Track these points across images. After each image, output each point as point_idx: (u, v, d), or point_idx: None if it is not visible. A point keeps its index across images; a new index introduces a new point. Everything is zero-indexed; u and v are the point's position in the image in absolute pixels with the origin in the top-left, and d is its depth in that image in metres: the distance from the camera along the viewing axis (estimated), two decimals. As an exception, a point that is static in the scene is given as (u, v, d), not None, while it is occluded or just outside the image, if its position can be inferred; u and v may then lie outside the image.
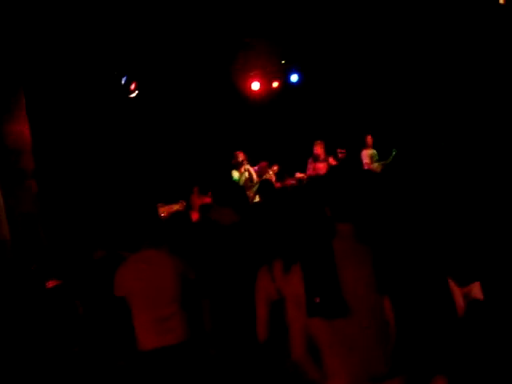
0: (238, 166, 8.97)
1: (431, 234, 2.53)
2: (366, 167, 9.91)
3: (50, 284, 4.34)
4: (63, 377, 3.97)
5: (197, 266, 3.75)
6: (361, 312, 2.22)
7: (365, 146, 10.09)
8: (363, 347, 2.24)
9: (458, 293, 2.02)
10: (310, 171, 9.22)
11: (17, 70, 6.86)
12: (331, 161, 9.05)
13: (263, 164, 9.23)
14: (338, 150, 10.01)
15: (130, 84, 9.41)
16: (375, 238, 2.34)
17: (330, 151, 10.13)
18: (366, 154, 10.00)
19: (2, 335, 3.80)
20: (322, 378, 2.39)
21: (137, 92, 9.52)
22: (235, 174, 8.96)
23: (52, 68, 7.63)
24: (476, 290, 2.09)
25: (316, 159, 9.07)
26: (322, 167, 8.86)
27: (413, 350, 1.99)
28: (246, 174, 8.96)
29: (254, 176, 9.03)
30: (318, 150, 8.97)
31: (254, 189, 8.75)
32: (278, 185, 8.94)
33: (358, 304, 2.21)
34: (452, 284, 2.03)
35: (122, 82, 9.20)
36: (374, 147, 10.14)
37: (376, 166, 9.80)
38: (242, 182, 8.83)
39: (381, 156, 10.02)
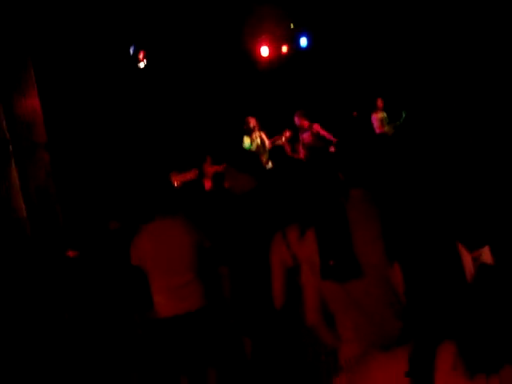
0: (249, 132, 8.91)
1: (441, 197, 2.53)
2: (377, 131, 9.84)
3: (71, 254, 4.40)
4: (82, 345, 4.05)
5: (212, 234, 3.78)
6: (373, 275, 2.23)
7: (375, 109, 10.01)
8: (375, 311, 2.26)
9: (467, 257, 2.01)
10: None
11: (25, 44, 6.83)
12: (316, 127, 8.86)
13: (287, 133, 9.10)
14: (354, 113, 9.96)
15: (139, 54, 9.35)
16: (386, 202, 2.34)
17: (338, 114, 10.07)
18: (377, 118, 9.93)
19: (24, 307, 3.88)
20: (336, 342, 2.42)
21: (145, 61, 9.46)
22: (247, 140, 8.91)
23: (61, 40, 7.59)
24: (485, 254, 2.09)
25: (300, 130, 8.92)
26: (306, 137, 8.74)
27: (421, 316, 2.00)
28: (258, 140, 8.91)
29: (267, 142, 8.98)
30: (297, 121, 8.82)
31: (267, 155, 8.73)
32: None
33: (371, 267, 2.23)
34: (462, 248, 2.03)
35: (131, 51, 9.14)
36: (383, 109, 10.06)
37: (387, 128, 9.74)
38: (254, 148, 8.80)
39: (391, 118, 9.95)
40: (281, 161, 7.01)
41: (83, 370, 3.95)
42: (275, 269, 3.04)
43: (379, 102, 9.97)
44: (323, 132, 8.57)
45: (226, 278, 3.59)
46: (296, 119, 8.75)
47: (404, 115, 9.45)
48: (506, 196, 2.53)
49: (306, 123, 8.71)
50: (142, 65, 9.54)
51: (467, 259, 2.01)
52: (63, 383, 3.92)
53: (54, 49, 7.57)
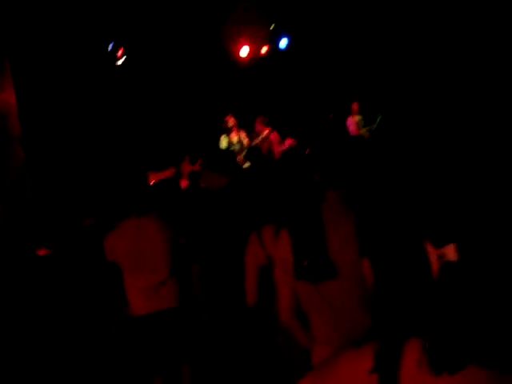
0: (228, 131, 8.90)
1: (410, 196, 2.56)
2: (353, 134, 9.92)
3: (41, 252, 4.35)
4: (55, 346, 4.01)
5: (186, 232, 3.77)
6: (347, 276, 2.24)
7: (351, 113, 10.10)
8: (349, 311, 2.27)
9: (433, 254, 2.05)
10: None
11: (1, 37, 6.75)
12: (272, 137, 8.92)
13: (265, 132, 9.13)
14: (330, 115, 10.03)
15: (117, 50, 9.29)
16: (360, 203, 2.36)
17: (315, 116, 10.14)
18: (353, 121, 10.01)
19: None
20: (310, 342, 2.44)
21: (124, 58, 9.40)
22: (224, 139, 8.90)
23: (38, 34, 7.51)
24: (451, 252, 2.13)
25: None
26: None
27: (389, 311, 2.03)
28: (236, 138, 8.91)
29: (246, 141, 8.98)
30: (257, 127, 8.89)
31: (243, 154, 8.74)
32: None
33: (345, 268, 2.24)
34: (428, 246, 2.06)
35: (109, 48, 9.07)
36: (359, 113, 10.15)
37: (363, 131, 9.82)
38: (232, 147, 8.80)
39: (366, 121, 10.03)
40: (257, 160, 7.02)
41: (55, 367, 3.91)
42: (249, 267, 3.06)
43: (355, 106, 10.06)
44: (275, 146, 8.62)
45: (197, 277, 3.59)
46: (257, 125, 8.80)
47: (379, 119, 9.53)
48: (472, 194, 2.57)
49: (266, 130, 8.80)
50: (120, 62, 9.47)
51: (433, 256, 2.04)
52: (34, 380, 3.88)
53: (31, 43, 7.48)
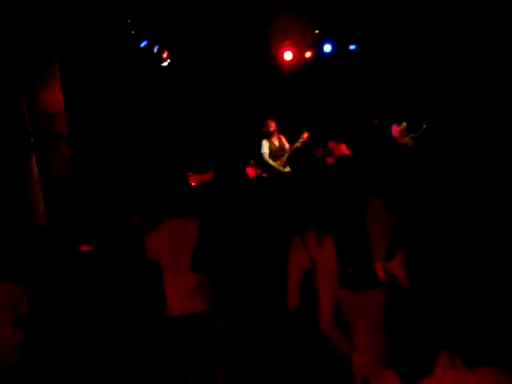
0: (269, 135, 8.93)
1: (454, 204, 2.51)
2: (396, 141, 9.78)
3: (84, 248, 4.42)
4: (91, 341, 4.06)
5: (227, 236, 3.78)
6: (390, 286, 2.22)
7: (396, 121, 9.96)
8: (389, 321, 2.25)
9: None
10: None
11: (51, 36, 6.91)
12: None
13: (304, 136, 9.18)
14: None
15: (162, 52, 9.41)
16: (405, 211, 2.33)
17: (359, 122, 10.05)
18: (397, 129, 9.86)
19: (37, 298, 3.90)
20: (350, 348, 2.42)
21: (169, 61, 9.52)
22: (265, 144, 8.93)
23: (85, 35, 7.66)
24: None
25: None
26: None
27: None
28: (277, 143, 8.93)
29: (287, 145, 9.00)
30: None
31: (284, 158, 8.75)
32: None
33: (388, 278, 2.22)
34: None
35: (155, 50, 9.20)
36: (404, 120, 10.01)
37: (407, 139, 9.67)
38: (272, 151, 8.84)
39: (410, 129, 9.88)
40: (298, 165, 6.99)
41: (92, 365, 3.96)
42: (292, 271, 3.06)
43: (400, 114, 9.92)
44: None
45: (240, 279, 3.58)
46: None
47: (424, 126, 9.36)
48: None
49: (305, 134, 8.89)
50: (165, 64, 9.60)
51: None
52: (69, 379, 3.94)
53: (79, 44, 7.64)
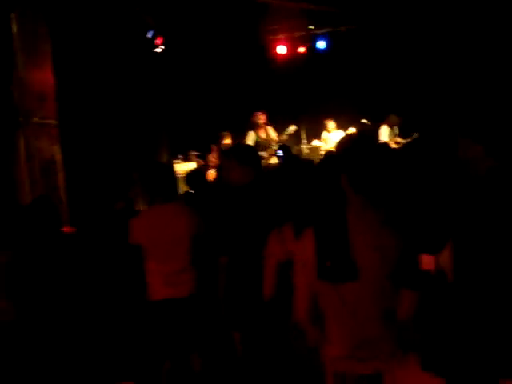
0: (256, 127, 8.95)
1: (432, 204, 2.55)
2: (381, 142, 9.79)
3: (67, 229, 4.43)
4: (72, 323, 4.08)
5: (213, 224, 3.81)
6: (368, 280, 2.26)
7: (386, 122, 10.00)
8: (365, 315, 2.30)
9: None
10: None
11: (44, 17, 6.87)
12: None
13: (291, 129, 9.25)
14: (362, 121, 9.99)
15: (156, 38, 9.39)
16: (388, 209, 2.38)
17: (351, 122, 10.11)
18: (385, 131, 9.90)
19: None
20: (322, 341, 2.46)
21: (163, 47, 9.51)
22: (252, 134, 8.94)
23: (79, 17, 7.62)
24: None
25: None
26: None
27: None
28: (264, 135, 8.95)
29: (274, 136, 9.03)
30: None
31: (271, 150, 8.79)
32: None
33: (367, 272, 2.26)
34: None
35: (149, 35, 9.18)
36: (396, 125, 10.06)
37: (392, 142, 9.70)
38: (259, 143, 8.86)
39: (401, 134, 9.91)
40: (285, 158, 7.06)
41: (70, 346, 3.98)
42: (269, 262, 3.12)
43: (392, 118, 9.96)
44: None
45: (224, 269, 3.62)
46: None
47: (415, 135, 9.30)
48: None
49: (292, 127, 8.98)
50: (158, 50, 9.58)
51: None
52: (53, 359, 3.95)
53: (72, 27, 7.59)
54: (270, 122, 9.16)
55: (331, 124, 10.29)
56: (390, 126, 10.00)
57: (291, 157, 7.31)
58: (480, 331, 2.27)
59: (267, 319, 3.29)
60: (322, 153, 9.67)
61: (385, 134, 9.82)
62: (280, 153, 8.30)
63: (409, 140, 9.11)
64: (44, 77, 6.90)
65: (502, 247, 2.25)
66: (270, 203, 3.35)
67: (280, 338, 3.25)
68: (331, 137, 10.13)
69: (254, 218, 3.37)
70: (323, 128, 10.40)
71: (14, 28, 6.47)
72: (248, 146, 4.64)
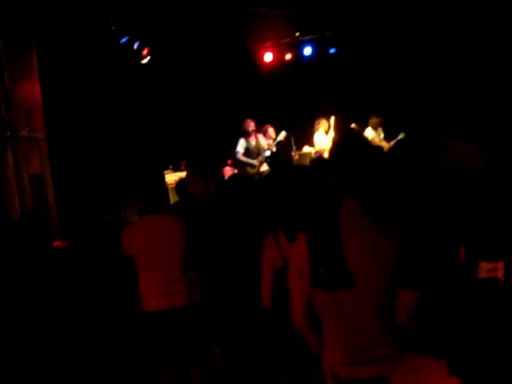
0: (247, 134, 8.94)
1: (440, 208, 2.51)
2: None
3: (58, 244, 4.40)
4: (65, 335, 4.04)
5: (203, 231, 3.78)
6: (364, 287, 2.24)
7: (371, 124, 10.06)
8: (362, 322, 2.27)
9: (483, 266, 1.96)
10: None
11: (29, 31, 6.85)
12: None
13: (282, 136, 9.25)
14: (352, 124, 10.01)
15: (143, 49, 9.38)
16: (380, 213, 2.36)
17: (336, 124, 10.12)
18: (370, 134, 9.94)
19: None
20: (321, 347, 2.44)
21: (149, 58, 9.49)
22: (242, 142, 8.92)
23: (65, 30, 7.60)
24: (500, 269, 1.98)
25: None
26: None
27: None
28: (254, 142, 8.94)
29: (264, 145, 9.02)
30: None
31: (262, 158, 8.78)
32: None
33: (361, 277, 2.24)
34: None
35: (135, 47, 9.16)
36: (381, 126, 10.12)
37: (378, 144, 9.71)
38: (249, 150, 8.85)
39: (387, 136, 9.95)
40: (276, 165, 7.04)
41: (65, 358, 3.94)
42: (265, 268, 3.08)
43: (375, 119, 10.02)
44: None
45: (194, 284, 3.56)
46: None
47: (401, 136, 9.34)
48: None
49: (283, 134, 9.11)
50: (145, 60, 9.56)
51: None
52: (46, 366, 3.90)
53: (58, 40, 7.57)
54: (259, 129, 9.16)
55: (324, 123, 10.21)
56: (374, 128, 10.06)
57: (282, 163, 7.30)
58: None
59: (264, 326, 3.26)
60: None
61: (370, 137, 9.86)
62: (269, 158, 8.30)
63: (392, 143, 9.13)
64: (31, 90, 6.87)
65: None
66: (263, 210, 3.33)
67: (274, 344, 3.22)
68: (322, 138, 10.11)
69: (247, 225, 3.35)
70: (314, 130, 10.33)
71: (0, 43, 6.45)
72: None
